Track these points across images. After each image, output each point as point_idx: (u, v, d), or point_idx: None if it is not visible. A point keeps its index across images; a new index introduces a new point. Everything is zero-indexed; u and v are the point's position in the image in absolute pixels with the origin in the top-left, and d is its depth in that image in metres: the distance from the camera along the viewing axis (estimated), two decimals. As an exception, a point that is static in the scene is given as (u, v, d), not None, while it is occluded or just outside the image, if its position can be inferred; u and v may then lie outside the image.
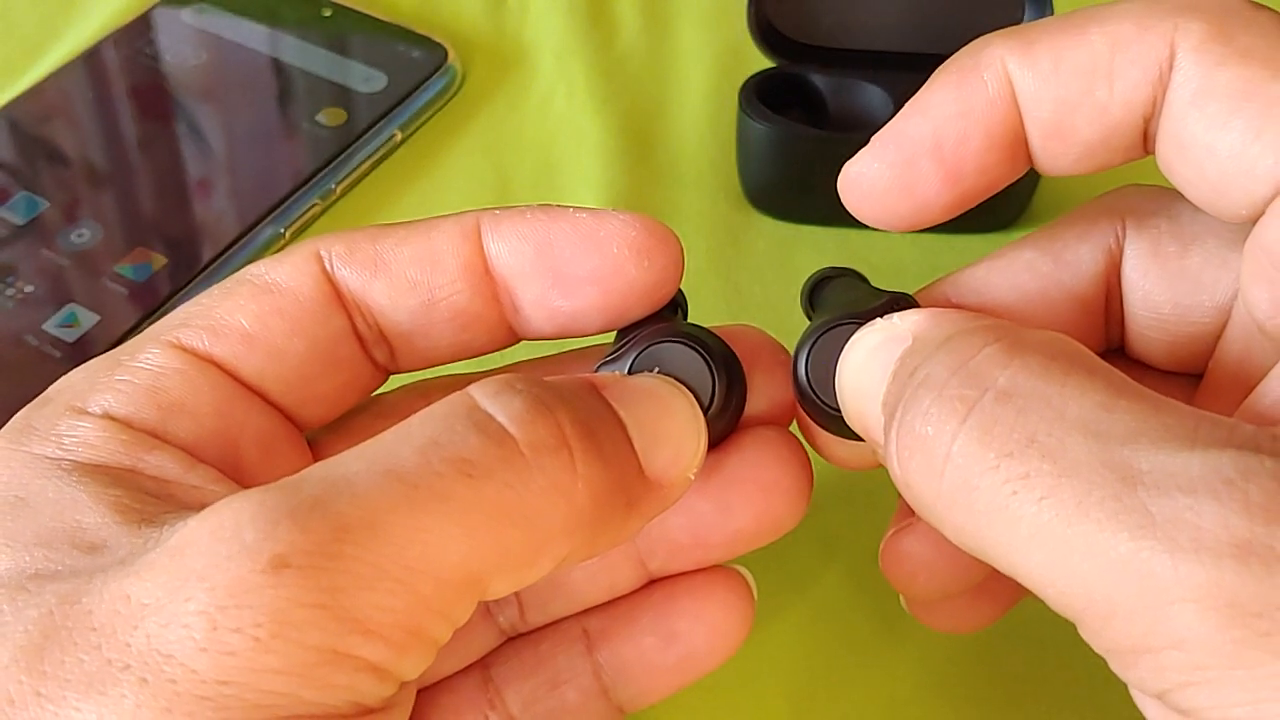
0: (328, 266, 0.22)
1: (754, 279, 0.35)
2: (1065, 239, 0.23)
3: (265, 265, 0.23)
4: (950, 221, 0.22)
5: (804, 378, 0.22)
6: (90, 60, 0.42)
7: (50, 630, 0.17)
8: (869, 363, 0.20)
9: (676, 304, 0.24)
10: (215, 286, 0.23)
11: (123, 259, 0.36)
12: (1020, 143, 0.21)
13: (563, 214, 0.22)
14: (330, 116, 0.40)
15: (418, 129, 0.41)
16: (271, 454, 0.22)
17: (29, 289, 0.35)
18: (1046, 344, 0.18)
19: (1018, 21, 0.34)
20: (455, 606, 0.18)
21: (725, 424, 0.22)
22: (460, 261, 0.22)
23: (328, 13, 0.43)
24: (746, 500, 0.23)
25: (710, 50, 0.43)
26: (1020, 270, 0.23)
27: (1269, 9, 0.20)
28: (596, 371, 0.22)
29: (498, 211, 0.23)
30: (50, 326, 0.34)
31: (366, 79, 0.41)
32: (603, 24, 0.44)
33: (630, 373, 0.21)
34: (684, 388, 0.21)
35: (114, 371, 0.22)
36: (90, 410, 0.21)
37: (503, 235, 0.22)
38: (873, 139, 0.22)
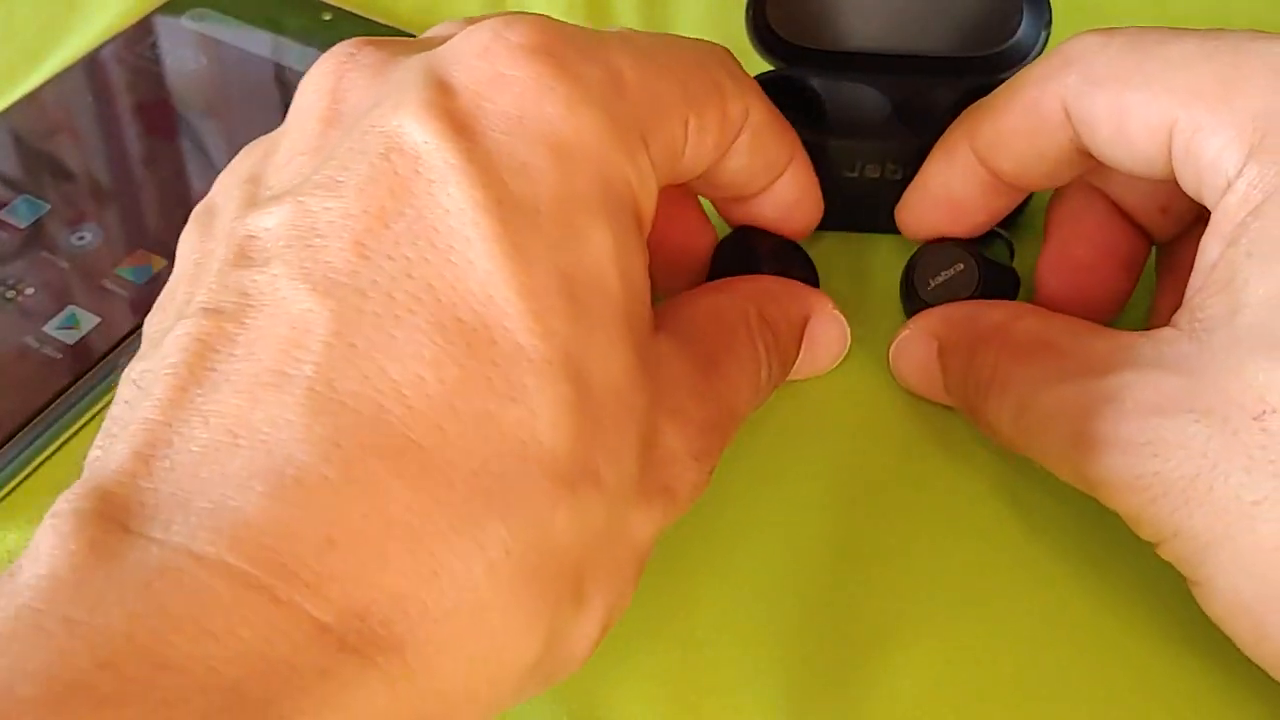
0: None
1: (753, 281, 0.36)
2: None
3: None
4: None
5: (912, 282, 0.32)
6: (91, 65, 0.42)
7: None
8: (914, 357, 0.31)
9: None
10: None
11: (123, 261, 0.36)
12: (996, 183, 0.31)
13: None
14: (330, 120, 0.40)
15: (417, 132, 0.41)
16: None
17: (30, 291, 0.35)
18: (1025, 344, 0.28)
19: (1015, 25, 0.34)
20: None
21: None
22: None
23: (328, 16, 0.44)
24: None
25: (709, 54, 0.43)
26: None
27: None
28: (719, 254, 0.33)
29: None
30: (51, 329, 0.34)
31: (366, 83, 0.41)
32: (601, 27, 0.44)
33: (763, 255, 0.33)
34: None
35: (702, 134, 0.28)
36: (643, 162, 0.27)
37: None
38: (903, 198, 0.33)
